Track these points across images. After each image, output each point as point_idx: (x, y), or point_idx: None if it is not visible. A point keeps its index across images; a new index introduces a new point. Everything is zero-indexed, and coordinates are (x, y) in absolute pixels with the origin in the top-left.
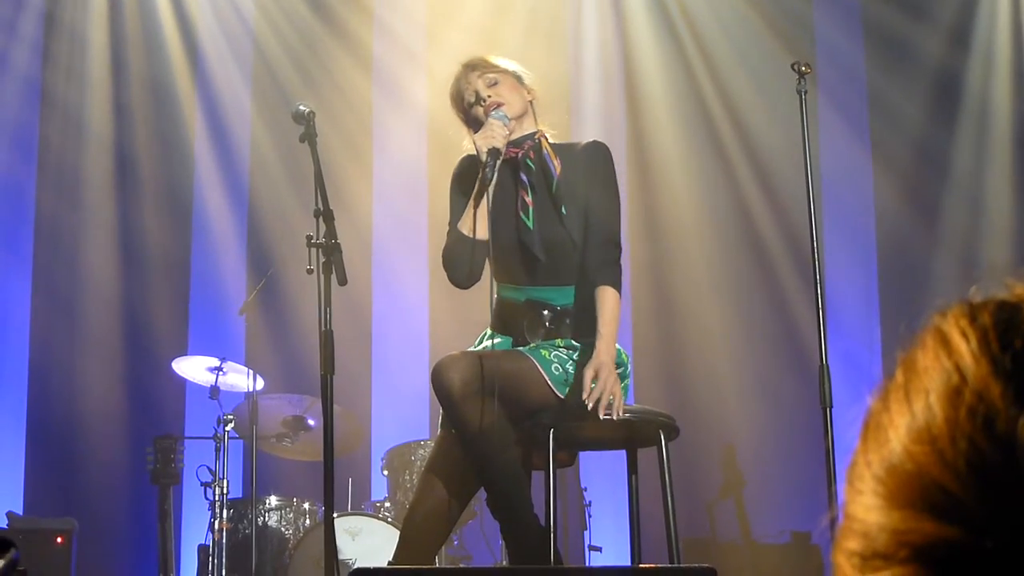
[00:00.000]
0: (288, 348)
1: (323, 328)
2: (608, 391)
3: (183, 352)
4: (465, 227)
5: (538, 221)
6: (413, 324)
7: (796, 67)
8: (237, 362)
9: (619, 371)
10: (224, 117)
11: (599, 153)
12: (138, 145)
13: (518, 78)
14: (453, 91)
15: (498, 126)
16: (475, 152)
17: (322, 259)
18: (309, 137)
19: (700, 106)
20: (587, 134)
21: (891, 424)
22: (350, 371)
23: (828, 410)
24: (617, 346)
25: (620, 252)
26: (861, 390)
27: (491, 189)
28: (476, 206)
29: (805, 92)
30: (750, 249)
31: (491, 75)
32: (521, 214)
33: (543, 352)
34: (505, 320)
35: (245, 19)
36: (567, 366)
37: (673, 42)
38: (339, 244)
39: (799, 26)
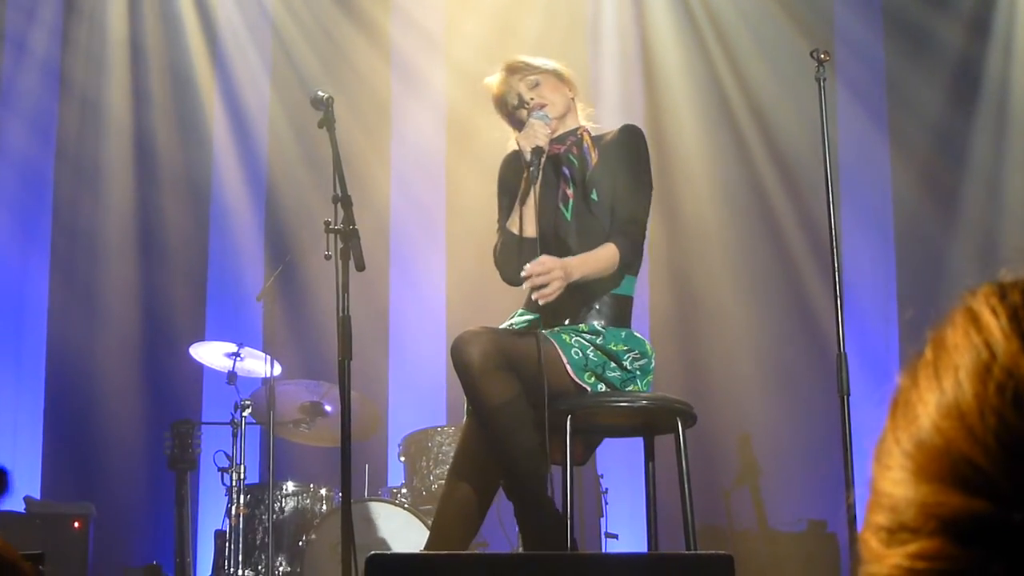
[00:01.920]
0: (305, 334)
1: (340, 314)
2: (547, 277)
3: (201, 337)
4: (514, 226)
5: (575, 212)
6: (430, 310)
7: (815, 54)
8: (254, 348)
9: (641, 363)
10: (243, 103)
11: (626, 136)
12: (157, 131)
13: (559, 76)
14: (496, 95)
15: (540, 126)
16: (519, 150)
17: (340, 245)
18: (327, 123)
19: (719, 94)
20: (606, 122)
21: (920, 400)
22: (367, 357)
23: (845, 398)
24: (640, 336)
25: (640, 232)
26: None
27: (537, 187)
28: (523, 204)
29: (824, 79)
30: (768, 236)
31: (532, 77)
32: (561, 206)
33: (564, 336)
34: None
35: (264, 5)
36: (587, 352)
37: (692, 30)
38: (357, 230)
39: (818, 13)
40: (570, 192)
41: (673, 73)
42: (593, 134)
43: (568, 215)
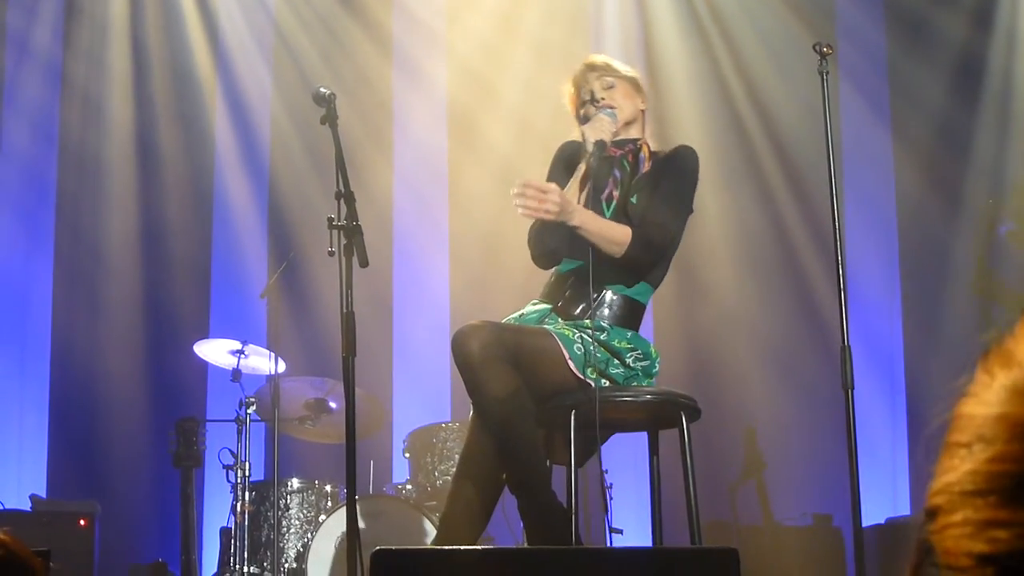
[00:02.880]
0: (309, 330)
1: (344, 310)
2: (542, 198)
3: (205, 335)
4: None
5: (614, 213)
6: (434, 305)
7: (817, 48)
8: (259, 345)
9: (644, 363)
10: (245, 100)
11: (679, 154)
12: (159, 129)
13: (635, 86)
14: (571, 86)
15: (607, 122)
16: (582, 140)
17: (343, 241)
18: (330, 119)
19: (721, 87)
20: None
21: (1019, 348)
22: (371, 353)
23: (849, 391)
24: (646, 340)
25: (662, 236)
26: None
27: (589, 179)
28: (582, 190)
29: (826, 73)
30: (771, 230)
31: (609, 79)
32: (603, 204)
33: (567, 332)
34: (553, 289)
35: (266, 2)
36: (590, 347)
37: (694, 23)
38: (360, 226)
39: (820, 6)
40: (616, 194)
41: (675, 67)
42: (652, 148)
43: (608, 214)
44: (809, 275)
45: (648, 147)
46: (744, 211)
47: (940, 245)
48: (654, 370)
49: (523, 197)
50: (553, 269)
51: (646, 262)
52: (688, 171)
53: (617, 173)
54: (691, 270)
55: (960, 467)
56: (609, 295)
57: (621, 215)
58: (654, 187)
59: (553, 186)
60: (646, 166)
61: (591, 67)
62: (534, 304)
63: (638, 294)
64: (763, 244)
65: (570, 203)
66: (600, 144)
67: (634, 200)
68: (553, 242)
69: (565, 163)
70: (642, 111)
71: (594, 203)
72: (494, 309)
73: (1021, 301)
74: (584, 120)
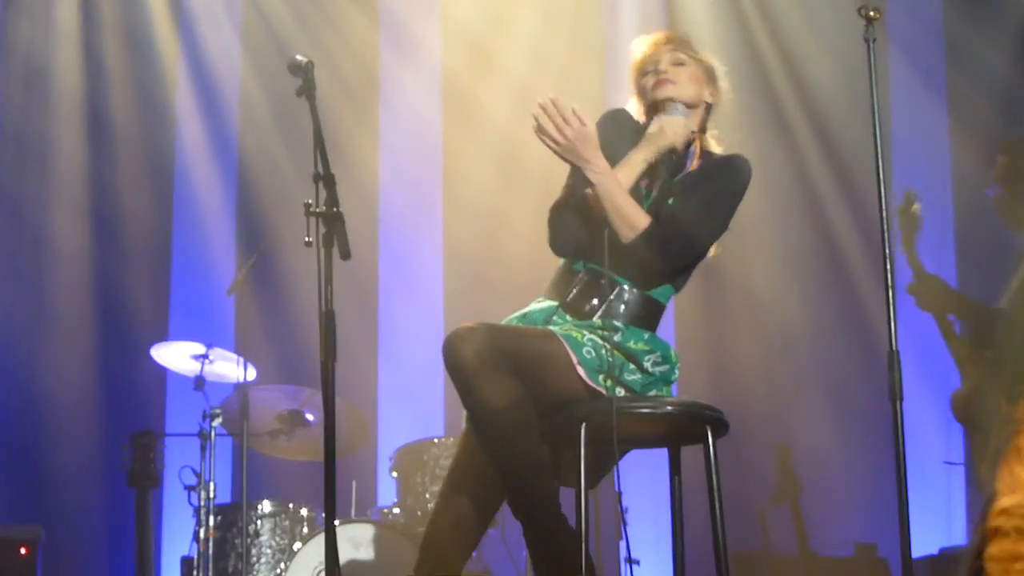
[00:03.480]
0: (283, 332)
1: (323, 308)
2: (559, 124)
3: (164, 338)
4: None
5: (648, 209)
6: (425, 304)
7: (863, 12)
8: (226, 349)
9: (663, 368)
10: (211, 69)
11: (730, 163)
12: (112, 102)
13: (709, 74)
14: (639, 54)
15: (679, 123)
16: (635, 115)
17: (322, 230)
18: (307, 91)
19: (754, 58)
20: (624, 93)
21: None
22: (354, 358)
23: (898, 403)
24: (665, 342)
25: (682, 242)
26: (936, 379)
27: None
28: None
29: (873, 41)
30: (810, 219)
31: (681, 55)
32: (643, 191)
33: (575, 334)
34: (560, 284)
35: None
36: (601, 351)
37: None
38: (341, 213)
39: None
40: (654, 186)
41: (701, 33)
42: (705, 148)
43: (645, 205)
44: (852, 270)
45: (701, 143)
46: (778, 197)
47: (1002, 235)
48: (673, 376)
49: (543, 115)
50: (562, 261)
51: (652, 263)
52: (737, 183)
53: (661, 164)
54: (716, 265)
55: None
56: (626, 292)
57: (654, 212)
58: (694, 190)
59: (585, 117)
60: (694, 164)
61: (668, 39)
62: (539, 302)
63: (659, 295)
64: (800, 234)
65: (593, 147)
66: (670, 153)
67: (671, 202)
68: (571, 233)
69: (605, 140)
70: (707, 103)
71: (633, 190)
72: (494, 308)
73: None
74: (642, 94)
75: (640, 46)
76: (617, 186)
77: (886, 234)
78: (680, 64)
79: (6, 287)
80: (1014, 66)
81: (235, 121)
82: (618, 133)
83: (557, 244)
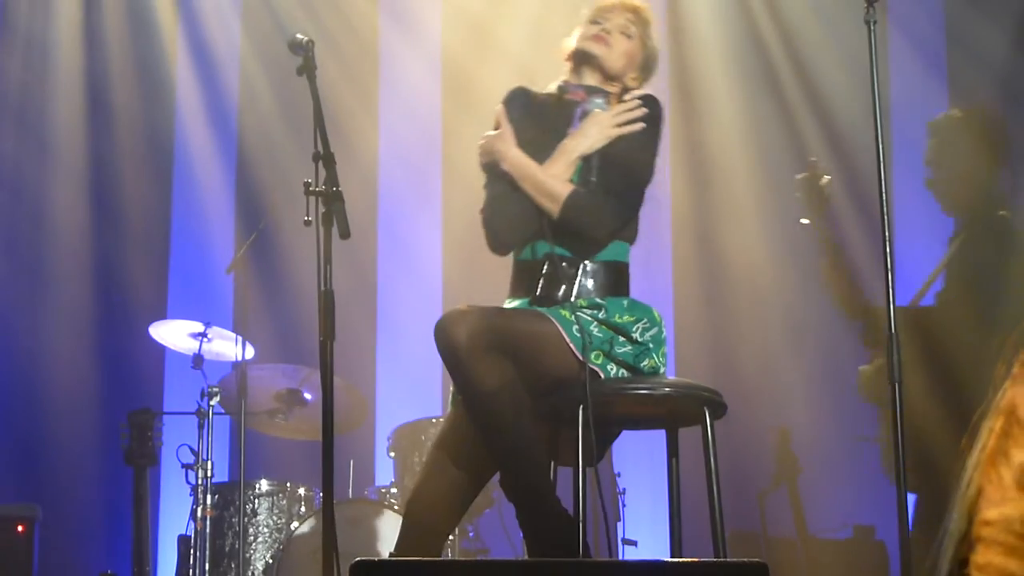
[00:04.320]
0: (282, 311)
1: (322, 288)
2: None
3: (162, 316)
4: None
5: (581, 174)
6: (424, 284)
7: None
8: (224, 327)
9: (652, 332)
10: (210, 47)
11: (639, 107)
12: (111, 80)
13: (646, 62)
14: (601, 3)
15: (606, 119)
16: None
17: (321, 209)
18: (307, 70)
19: (754, 39)
20: None
21: None
22: (353, 338)
23: (898, 385)
24: (644, 304)
25: (605, 210)
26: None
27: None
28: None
29: (874, 22)
30: None
31: (634, 28)
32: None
33: (563, 312)
34: (522, 280)
35: None
36: (590, 327)
37: None
38: (341, 192)
39: None
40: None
41: (702, 19)
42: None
43: (575, 176)
44: (852, 253)
45: (616, 98)
46: (778, 178)
47: (1002, 220)
48: (663, 336)
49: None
50: (514, 257)
51: (589, 227)
52: (648, 128)
53: (578, 122)
54: (714, 247)
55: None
56: (588, 265)
57: (577, 175)
58: (610, 145)
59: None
60: None
61: (633, 8)
62: (509, 302)
63: (617, 255)
64: (799, 214)
65: (499, 143)
66: (563, 87)
67: (593, 163)
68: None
69: (519, 115)
70: (628, 79)
71: (542, 158)
72: (492, 288)
73: None
74: (581, 36)
75: (602, 2)
76: (531, 167)
77: (886, 218)
78: (626, 35)
79: (5, 265)
80: (1015, 49)
81: (235, 99)
82: (525, 112)
83: (498, 243)
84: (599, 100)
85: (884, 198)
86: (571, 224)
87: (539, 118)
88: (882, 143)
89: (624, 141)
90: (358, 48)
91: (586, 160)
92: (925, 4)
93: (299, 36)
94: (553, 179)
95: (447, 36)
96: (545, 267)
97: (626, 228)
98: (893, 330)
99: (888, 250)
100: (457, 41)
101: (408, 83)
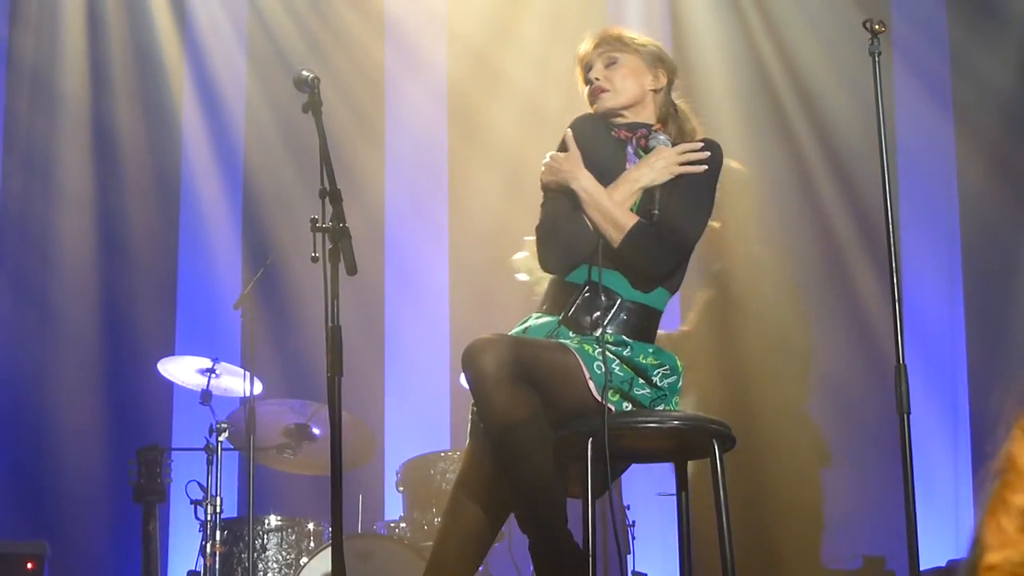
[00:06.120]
0: (290, 347)
1: (329, 324)
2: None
3: (170, 352)
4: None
5: (639, 210)
6: (432, 319)
7: (868, 25)
8: (232, 363)
9: (671, 380)
10: (216, 84)
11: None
12: (118, 117)
13: (650, 59)
14: (577, 64)
15: (670, 154)
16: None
17: (328, 245)
18: (313, 106)
19: (758, 70)
20: None
21: None
22: (361, 373)
23: (905, 416)
24: (669, 353)
25: (674, 239)
26: (943, 393)
27: None
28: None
29: (879, 53)
30: (814, 230)
31: (614, 54)
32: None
33: (587, 347)
34: (557, 298)
35: None
36: (612, 366)
37: None
38: (348, 228)
39: None
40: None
41: (706, 45)
42: (673, 136)
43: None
44: (858, 283)
45: (678, 133)
46: (784, 207)
47: (1009, 248)
48: (679, 386)
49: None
50: (553, 277)
51: (645, 262)
52: (710, 171)
53: (633, 159)
54: (724, 277)
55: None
56: (626, 303)
57: (642, 212)
58: (673, 182)
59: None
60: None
61: (596, 42)
62: (537, 317)
63: (655, 301)
64: (805, 247)
65: (568, 164)
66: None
67: (657, 197)
68: (564, 251)
69: (588, 137)
70: (653, 91)
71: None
72: (499, 322)
73: None
74: (590, 105)
75: (579, 52)
76: (601, 192)
77: (893, 248)
78: (613, 64)
79: (13, 301)
80: (1019, 78)
81: (241, 136)
82: (595, 137)
83: (553, 262)
84: (662, 137)
85: (890, 227)
86: (629, 255)
87: (602, 148)
88: (887, 172)
89: (686, 180)
90: (364, 84)
91: (648, 192)
92: (929, 34)
93: (305, 72)
94: (620, 208)
95: (452, 70)
96: (585, 292)
97: (674, 274)
98: (901, 361)
99: (895, 280)
100: (462, 75)
101: (414, 117)
